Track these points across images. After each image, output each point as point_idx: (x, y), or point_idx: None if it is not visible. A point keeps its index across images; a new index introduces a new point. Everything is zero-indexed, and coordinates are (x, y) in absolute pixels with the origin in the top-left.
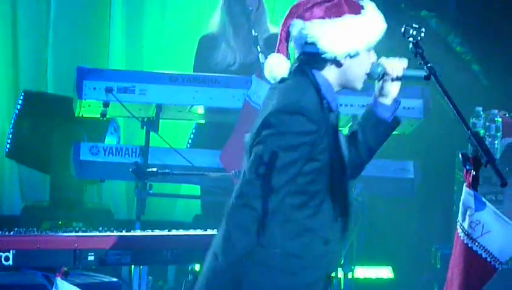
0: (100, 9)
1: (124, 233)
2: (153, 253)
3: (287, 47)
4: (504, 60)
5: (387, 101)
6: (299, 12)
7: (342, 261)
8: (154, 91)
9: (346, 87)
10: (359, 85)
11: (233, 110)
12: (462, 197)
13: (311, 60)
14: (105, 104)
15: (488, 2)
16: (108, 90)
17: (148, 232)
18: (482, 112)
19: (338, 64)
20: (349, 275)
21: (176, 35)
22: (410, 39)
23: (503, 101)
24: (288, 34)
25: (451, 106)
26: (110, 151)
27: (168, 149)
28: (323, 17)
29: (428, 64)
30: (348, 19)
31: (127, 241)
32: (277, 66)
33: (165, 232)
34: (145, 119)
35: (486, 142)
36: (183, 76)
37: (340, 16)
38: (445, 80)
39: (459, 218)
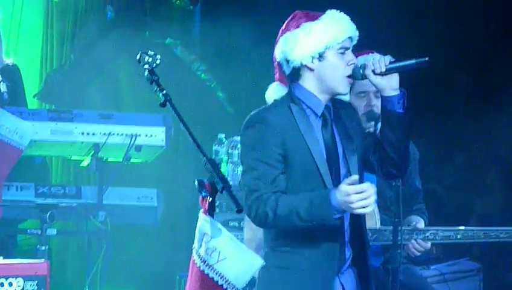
0: None
1: None
2: None
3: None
4: (248, 87)
5: (391, 92)
6: (276, 40)
7: (87, 289)
8: None
9: (332, 94)
10: (342, 89)
11: None
12: (198, 224)
13: (290, 75)
14: None
15: (233, 31)
16: None
17: None
18: (224, 139)
19: (309, 69)
20: None
21: None
22: (146, 66)
23: None
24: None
25: (187, 132)
26: None
27: None
28: (284, 32)
29: (164, 92)
30: (305, 25)
31: None
32: (270, 93)
33: None
34: None
35: (229, 169)
36: None
37: (298, 27)
38: (190, 107)
39: (195, 244)
